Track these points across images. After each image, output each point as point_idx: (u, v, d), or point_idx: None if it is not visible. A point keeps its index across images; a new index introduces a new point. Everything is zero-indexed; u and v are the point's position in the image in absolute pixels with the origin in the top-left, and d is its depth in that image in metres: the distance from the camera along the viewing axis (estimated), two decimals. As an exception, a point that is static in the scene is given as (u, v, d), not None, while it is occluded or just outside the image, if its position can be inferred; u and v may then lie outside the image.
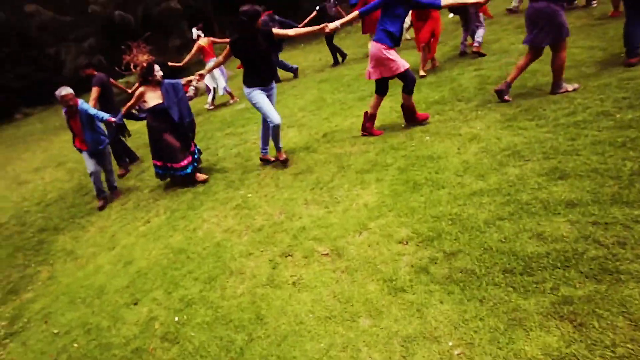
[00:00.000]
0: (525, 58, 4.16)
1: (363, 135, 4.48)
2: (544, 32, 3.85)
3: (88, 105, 4.79)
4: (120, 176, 5.85)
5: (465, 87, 5.05)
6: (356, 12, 4.09)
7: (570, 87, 4.02)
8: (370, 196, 3.27)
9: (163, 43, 12.46)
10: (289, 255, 2.89)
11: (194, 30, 8.14)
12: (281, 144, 4.41)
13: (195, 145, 4.89)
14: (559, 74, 3.97)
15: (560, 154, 2.99)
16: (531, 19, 3.91)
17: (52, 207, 5.58)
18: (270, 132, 4.21)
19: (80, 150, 4.96)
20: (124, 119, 5.20)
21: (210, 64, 7.40)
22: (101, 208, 4.95)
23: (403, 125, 4.48)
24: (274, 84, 4.25)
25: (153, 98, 4.51)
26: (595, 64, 4.61)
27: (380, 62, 4.10)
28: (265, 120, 4.28)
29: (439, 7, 3.98)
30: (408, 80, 4.12)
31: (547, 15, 3.77)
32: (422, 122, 4.35)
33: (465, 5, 4.48)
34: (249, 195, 3.97)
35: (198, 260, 3.18)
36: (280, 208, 3.56)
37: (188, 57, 8.18)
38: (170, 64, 8.27)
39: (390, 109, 5.12)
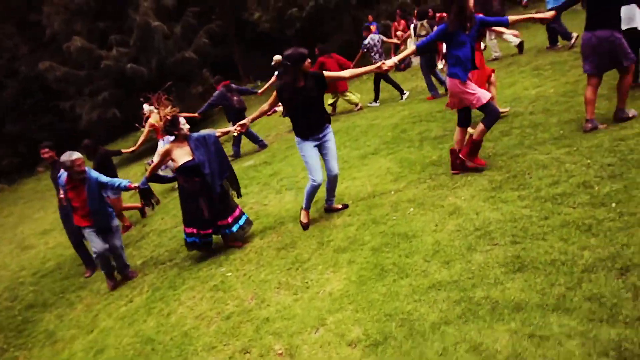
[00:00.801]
0: (591, 88, 4.14)
1: (454, 174, 4.20)
2: (608, 59, 3.97)
3: (96, 172, 4.56)
4: (87, 277, 5.34)
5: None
6: (414, 47, 4.06)
7: (631, 113, 4.14)
8: (338, 282, 3.24)
9: (185, 91, 13.12)
10: (247, 352, 2.89)
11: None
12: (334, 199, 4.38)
13: (242, 212, 4.52)
14: (625, 98, 4.11)
15: (528, 237, 2.86)
16: (594, 48, 3.98)
17: (46, 279, 5.82)
18: (308, 188, 4.05)
19: (80, 229, 4.60)
20: (150, 183, 4.56)
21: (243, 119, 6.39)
22: (113, 288, 4.68)
23: (392, 192, 4.42)
24: (328, 128, 3.98)
25: (181, 155, 4.12)
26: (596, 116, 4.41)
27: (458, 96, 3.95)
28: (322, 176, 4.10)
29: (506, 24, 3.86)
30: (490, 113, 3.83)
31: (611, 43, 3.88)
32: (476, 168, 4.09)
33: (528, 21, 4.35)
34: (229, 274, 4.03)
35: (161, 353, 3.23)
36: (253, 292, 3.58)
37: (142, 138, 7.39)
38: (124, 151, 7.60)
39: (387, 170, 5.08)
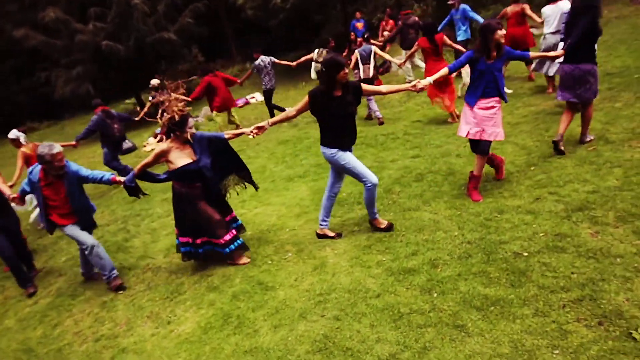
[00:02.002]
0: (569, 114, 4.80)
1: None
2: (588, 90, 4.56)
3: (77, 165, 4.18)
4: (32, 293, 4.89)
5: (382, 183, 5.07)
6: (446, 69, 4.13)
7: (590, 138, 4.89)
8: (190, 324, 3.57)
9: (170, 69, 13.28)
10: (90, 382, 3.25)
11: (15, 131, 6.32)
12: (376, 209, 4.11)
13: (236, 219, 4.39)
14: (588, 126, 4.84)
15: (350, 315, 3.11)
16: (575, 78, 4.56)
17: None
18: (366, 195, 3.89)
19: (64, 228, 4.21)
20: (137, 180, 4.12)
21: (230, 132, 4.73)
22: (88, 279, 4.71)
23: (288, 230, 4.68)
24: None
25: (180, 157, 3.83)
26: (507, 175, 4.59)
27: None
28: (331, 187, 4.07)
29: (529, 59, 4.47)
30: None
31: (592, 75, 4.51)
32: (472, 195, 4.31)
33: (546, 57, 5.16)
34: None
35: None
36: (127, 317, 3.94)
37: (17, 171, 6.13)
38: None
39: (299, 201, 5.33)
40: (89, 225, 4.40)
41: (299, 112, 3.78)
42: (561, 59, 4.69)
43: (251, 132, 3.81)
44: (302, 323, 3.18)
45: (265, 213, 5.22)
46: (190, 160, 3.82)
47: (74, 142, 7.12)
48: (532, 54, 4.39)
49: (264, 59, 8.95)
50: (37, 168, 4.09)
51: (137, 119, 8.04)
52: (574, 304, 2.69)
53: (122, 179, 4.11)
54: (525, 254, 3.28)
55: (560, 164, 4.59)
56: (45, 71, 12.95)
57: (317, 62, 8.55)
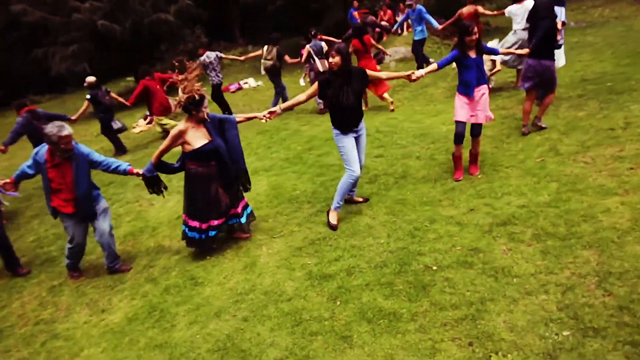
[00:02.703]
0: (529, 102, 5.45)
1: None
2: (548, 82, 5.26)
3: (89, 149, 4.07)
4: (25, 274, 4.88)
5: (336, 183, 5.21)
6: (435, 65, 4.56)
7: (544, 125, 5.49)
8: (119, 314, 3.82)
9: (171, 50, 13.40)
10: (21, 363, 3.53)
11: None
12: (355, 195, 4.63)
13: (247, 205, 4.44)
14: (544, 111, 5.50)
15: (255, 319, 3.28)
16: (537, 72, 5.21)
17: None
18: (342, 180, 4.19)
19: (62, 216, 4.12)
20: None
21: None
22: (77, 278, 4.50)
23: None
24: (363, 122, 4.21)
25: (197, 137, 3.88)
26: (455, 183, 4.66)
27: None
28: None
29: (497, 54, 4.99)
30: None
31: (551, 70, 5.21)
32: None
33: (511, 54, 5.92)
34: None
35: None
36: (68, 302, 4.20)
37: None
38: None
39: (256, 196, 5.48)
40: (90, 215, 4.18)
41: (309, 97, 4.17)
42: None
43: (264, 116, 4.06)
44: (214, 321, 3.38)
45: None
46: (207, 140, 3.91)
47: (2, 147, 6.74)
48: (501, 50, 5.25)
49: (209, 55, 8.95)
50: (43, 149, 3.93)
51: (73, 118, 7.52)
52: (456, 322, 2.82)
53: (139, 170, 4.09)
54: (435, 267, 3.40)
55: (506, 174, 4.65)
56: (43, 47, 13.16)
57: (265, 59, 8.57)
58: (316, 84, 4.02)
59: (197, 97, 3.79)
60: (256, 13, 15.38)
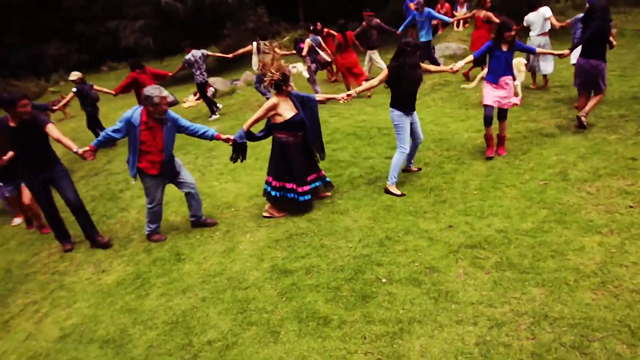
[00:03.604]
0: (582, 99, 5.91)
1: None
2: (597, 82, 5.52)
3: (176, 114, 4.37)
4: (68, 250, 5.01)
5: (339, 180, 5.42)
6: (471, 56, 5.40)
7: (585, 121, 5.55)
8: (112, 277, 4.33)
9: (234, 28, 13.99)
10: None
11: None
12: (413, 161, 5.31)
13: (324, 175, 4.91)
14: (592, 108, 5.63)
15: (211, 300, 3.62)
16: (584, 70, 5.58)
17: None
18: (397, 158, 4.80)
19: (146, 177, 4.35)
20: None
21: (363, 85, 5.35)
22: (157, 240, 4.75)
23: (234, 210, 5.23)
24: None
25: (287, 110, 4.36)
26: (449, 196, 4.66)
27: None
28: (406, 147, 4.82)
29: (534, 53, 5.74)
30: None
31: (600, 70, 5.46)
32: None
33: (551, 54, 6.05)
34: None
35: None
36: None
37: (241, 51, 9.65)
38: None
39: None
40: (172, 175, 4.54)
41: (381, 82, 4.72)
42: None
43: (342, 97, 4.65)
44: (179, 297, 3.78)
45: (229, 189, 5.80)
46: (294, 113, 4.37)
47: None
48: (538, 50, 5.66)
49: (195, 54, 9.11)
50: (137, 111, 4.15)
51: (55, 108, 8.25)
52: (376, 338, 2.94)
53: (229, 136, 4.44)
54: (384, 280, 3.50)
55: (502, 194, 4.52)
56: (115, 20, 14.38)
57: (264, 52, 8.65)
58: (386, 69, 4.65)
59: (286, 73, 4.33)
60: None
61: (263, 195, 4.84)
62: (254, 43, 9.10)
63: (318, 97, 4.69)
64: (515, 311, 2.96)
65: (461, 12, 11.55)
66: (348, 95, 4.65)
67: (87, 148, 4.30)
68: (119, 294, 4.02)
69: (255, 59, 9.12)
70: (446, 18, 9.45)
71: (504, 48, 5.08)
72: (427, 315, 3.06)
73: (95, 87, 8.76)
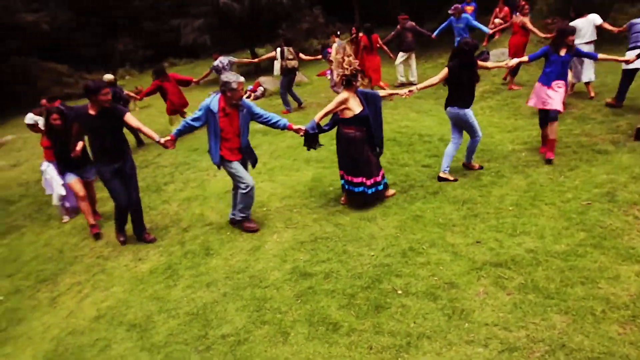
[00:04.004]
0: None
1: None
2: None
3: (248, 100, 4.54)
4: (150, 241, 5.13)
5: None
6: (526, 57, 5.45)
7: None
8: (147, 266, 4.63)
9: (290, 28, 14.32)
10: (73, 285, 4.60)
11: (31, 115, 6.77)
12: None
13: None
14: None
15: (232, 296, 3.77)
16: None
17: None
18: (470, 144, 5.20)
19: (229, 163, 4.45)
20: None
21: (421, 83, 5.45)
22: (250, 229, 4.75)
23: (266, 209, 5.40)
24: None
25: (356, 105, 4.53)
26: (482, 210, 4.56)
27: (538, 95, 5.41)
28: (457, 140, 5.19)
29: (596, 59, 5.36)
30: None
31: None
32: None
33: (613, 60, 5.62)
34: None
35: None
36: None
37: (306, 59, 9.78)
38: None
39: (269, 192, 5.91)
40: (253, 161, 4.71)
41: (441, 80, 4.97)
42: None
43: (404, 93, 4.97)
44: (202, 290, 3.98)
45: (263, 189, 5.97)
46: (361, 108, 4.54)
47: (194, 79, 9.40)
48: (600, 55, 5.30)
49: (222, 60, 9.13)
50: (215, 98, 4.29)
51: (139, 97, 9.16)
52: (381, 349, 2.95)
53: (300, 127, 4.54)
54: (400, 292, 3.49)
55: (540, 212, 4.34)
56: (178, 18, 15.18)
57: (288, 59, 8.72)
58: (446, 69, 4.90)
59: (357, 69, 4.55)
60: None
61: (343, 191, 5.05)
62: (278, 49, 9.20)
63: (382, 93, 4.86)
64: (531, 337, 2.86)
65: (521, 17, 11.06)
66: (410, 91, 4.95)
67: (168, 137, 4.46)
68: (150, 282, 4.29)
69: (277, 65, 9.18)
70: (484, 28, 9.17)
71: (562, 52, 5.17)
72: (437, 332, 3.03)
73: (126, 92, 9.03)
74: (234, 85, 4.17)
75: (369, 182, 4.72)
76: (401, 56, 9.96)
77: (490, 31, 9.62)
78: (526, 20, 8.15)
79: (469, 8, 10.95)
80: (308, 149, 4.78)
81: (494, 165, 5.50)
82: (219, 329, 3.41)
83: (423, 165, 5.82)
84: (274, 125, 4.54)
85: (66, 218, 6.36)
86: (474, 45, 4.81)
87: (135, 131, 8.62)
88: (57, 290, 4.64)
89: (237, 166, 4.52)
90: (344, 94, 4.52)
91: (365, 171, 4.69)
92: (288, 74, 9.23)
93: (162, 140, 4.44)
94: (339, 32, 9.73)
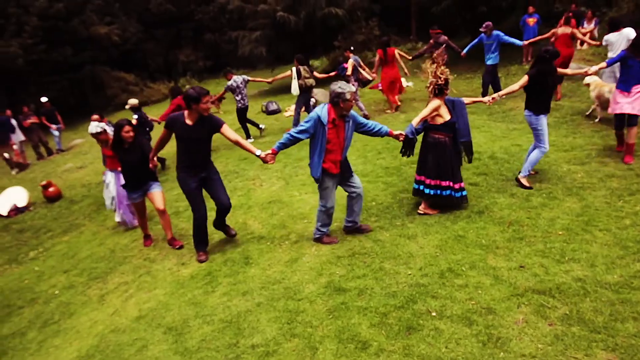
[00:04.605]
0: None
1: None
2: None
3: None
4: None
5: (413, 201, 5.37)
6: (604, 63, 5.66)
7: None
8: (189, 271, 4.83)
9: (347, 39, 14.54)
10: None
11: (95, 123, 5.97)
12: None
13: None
14: None
15: (265, 306, 3.84)
16: None
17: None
18: (537, 155, 5.20)
19: (328, 177, 4.36)
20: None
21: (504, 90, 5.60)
22: (329, 242, 4.74)
23: (306, 221, 5.47)
24: None
25: (446, 112, 4.75)
26: (528, 233, 4.39)
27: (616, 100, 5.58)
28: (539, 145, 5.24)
29: None
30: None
31: None
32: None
33: None
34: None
35: (102, 262, 5.51)
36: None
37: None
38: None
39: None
40: (347, 176, 4.55)
41: (521, 87, 5.13)
42: None
43: (488, 100, 5.15)
44: (238, 298, 4.08)
45: (306, 200, 6.06)
46: (450, 116, 4.77)
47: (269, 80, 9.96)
48: None
49: (236, 79, 9.11)
50: (324, 109, 4.14)
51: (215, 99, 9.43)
52: (409, 372, 2.89)
53: (400, 132, 4.56)
54: (434, 314, 3.40)
55: (592, 238, 4.09)
56: (235, 31, 15.85)
57: (305, 78, 8.85)
58: (526, 76, 5.06)
59: (449, 78, 4.78)
60: (428, 10, 15.30)
61: (413, 195, 5.17)
62: (294, 68, 9.20)
63: (466, 100, 4.97)
64: (572, 374, 2.69)
65: (588, 27, 10.54)
66: (493, 98, 5.17)
67: (270, 152, 4.30)
68: (190, 287, 4.46)
69: (295, 84, 9.11)
70: (517, 42, 8.87)
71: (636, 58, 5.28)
72: (470, 359, 2.92)
73: (150, 117, 8.89)
74: (348, 96, 4.05)
75: (456, 186, 4.86)
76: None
77: (524, 44, 9.17)
78: (577, 31, 8.28)
79: (532, 20, 10.57)
80: (403, 155, 4.82)
81: (545, 186, 5.24)
82: (250, 338, 3.48)
83: (470, 183, 5.65)
84: (377, 134, 4.48)
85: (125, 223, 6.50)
86: (554, 53, 4.96)
87: None
88: (106, 288, 4.95)
89: (329, 183, 4.44)
90: (436, 101, 4.72)
91: (453, 175, 4.84)
92: (306, 92, 9.31)
93: (263, 154, 4.30)
94: (352, 47, 10.00)
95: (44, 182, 8.85)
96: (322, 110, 4.17)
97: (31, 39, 17.73)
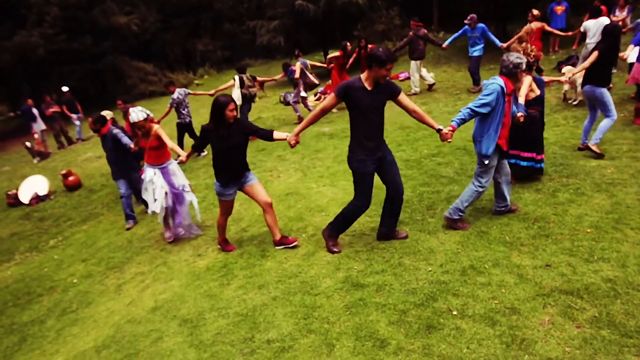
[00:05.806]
0: None
1: None
2: None
3: None
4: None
5: (440, 191, 5.27)
6: (632, 46, 6.61)
7: None
8: (205, 262, 4.83)
9: (367, 29, 14.38)
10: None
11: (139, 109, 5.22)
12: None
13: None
14: None
15: (281, 300, 3.81)
16: None
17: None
18: (607, 124, 5.57)
19: (497, 153, 4.23)
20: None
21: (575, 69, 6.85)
22: (462, 228, 4.44)
23: (324, 214, 5.41)
24: None
25: (536, 87, 5.08)
26: (558, 231, 4.26)
27: None
28: (591, 118, 5.85)
29: None
30: None
31: None
32: None
33: None
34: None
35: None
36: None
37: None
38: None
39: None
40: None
41: (591, 63, 5.47)
42: None
43: (565, 79, 6.04)
44: (254, 291, 4.06)
45: (324, 193, 5.99)
46: (540, 91, 5.07)
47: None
48: None
49: (180, 92, 8.64)
50: (501, 80, 4.01)
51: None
52: (429, 373, 2.81)
53: (521, 114, 4.40)
54: (455, 312, 3.31)
55: (623, 236, 3.93)
56: (253, 20, 15.74)
57: (249, 87, 8.85)
58: (596, 52, 5.42)
59: (540, 56, 5.30)
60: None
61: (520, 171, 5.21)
62: (236, 77, 8.98)
63: (546, 79, 5.33)
64: (602, 379, 2.58)
65: (620, 15, 10.13)
66: (569, 78, 5.99)
67: (450, 128, 3.96)
68: (206, 279, 4.46)
69: (237, 93, 8.83)
70: (498, 42, 9.11)
71: None
72: (492, 361, 2.83)
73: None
74: (524, 66, 3.99)
75: (538, 157, 5.08)
76: (415, 65, 9.97)
77: (503, 45, 9.00)
78: (546, 25, 9.07)
79: (560, 8, 10.21)
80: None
81: (573, 182, 5.06)
82: (266, 333, 3.45)
83: (492, 177, 5.49)
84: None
85: (168, 235, 5.59)
86: (620, 28, 5.55)
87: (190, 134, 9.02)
88: (123, 278, 4.99)
89: (495, 161, 4.22)
90: (529, 77, 4.97)
91: (537, 147, 5.07)
92: (249, 102, 9.21)
93: (445, 129, 3.96)
94: (297, 52, 10.70)
95: (64, 171, 9.00)
96: (499, 82, 3.96)
97: (52, 29, 17.96)
